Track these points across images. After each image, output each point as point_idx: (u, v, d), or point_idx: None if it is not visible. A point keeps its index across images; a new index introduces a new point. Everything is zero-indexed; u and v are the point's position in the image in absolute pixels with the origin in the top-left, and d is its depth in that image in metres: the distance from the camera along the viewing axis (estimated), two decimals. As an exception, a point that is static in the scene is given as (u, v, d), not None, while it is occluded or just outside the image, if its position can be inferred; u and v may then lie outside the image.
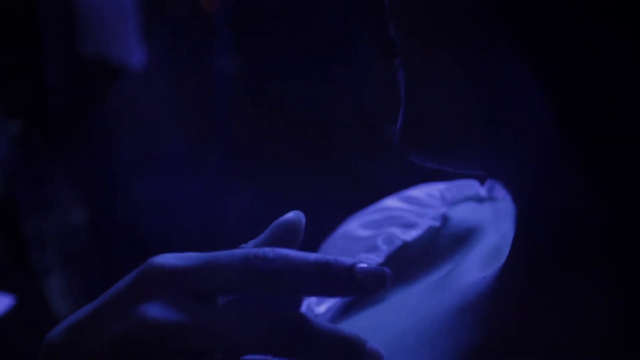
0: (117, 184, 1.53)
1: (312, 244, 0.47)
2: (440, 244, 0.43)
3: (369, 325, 0.38)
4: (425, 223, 0.44)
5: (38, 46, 1.41)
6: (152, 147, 1.55)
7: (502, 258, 0.34)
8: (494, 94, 0.28)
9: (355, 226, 0.47)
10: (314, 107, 1.59)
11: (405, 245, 0.44)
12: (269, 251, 0.29)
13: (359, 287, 0.29)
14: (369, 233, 0.46)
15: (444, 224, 0.44)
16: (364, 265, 0.29)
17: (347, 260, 0.29)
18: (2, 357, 0.88)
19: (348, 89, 1.58)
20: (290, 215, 0.32)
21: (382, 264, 0.44)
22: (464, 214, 0.44)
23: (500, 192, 0.46)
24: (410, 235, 0.44)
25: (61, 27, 1.44)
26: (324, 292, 0.29)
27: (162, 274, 0.29)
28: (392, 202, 0.47)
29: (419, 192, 0.47)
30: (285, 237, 0.31)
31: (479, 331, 0.32)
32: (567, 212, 0.28)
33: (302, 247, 0.31)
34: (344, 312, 0.43)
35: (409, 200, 0.47)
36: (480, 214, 0.44)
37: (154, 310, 0.29)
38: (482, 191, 0.46)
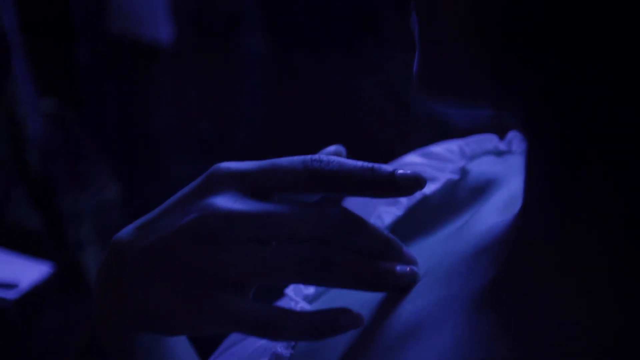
0: (149, 160, 1.55)
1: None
2: (459, 196, 0.44)
3: None
4: (444, 177, 0.45)
5: (70, 25, 1.43)
6: (182, 125, 1.57)
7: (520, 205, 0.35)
8: (502, 24, 0.29)
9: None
10: (344, 84, 1.59)
11: (425, 198, 0.44)
12: (324, 156, 0.34)
13: (400, 189, 0.34)
14: (389, 188, 0.47)
15: (462, 177, 0.45)
16: (402, 171, 0.34)
17: (389, 166, 0.34)
18: (39, 323, 0.91)
19: (378, 65, 1.57)
20: (333, 146, 0.38)
21: (401, 217, 0.45)
22: (482, 167, 0.45)
23: (519, 145, 0.47)
24: (430, 188, 0.44)
25: (92, 6, 1.47)
26: (370, 192, 0.34)
27: (227, 174, 0.34)
28: (412, 157, 0.48)
29: (439, 147, 0.48)
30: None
31: (495, 269, 0.32)
32: (576, 140, 0.29)
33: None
34: None
35: (428, 155, 0.47)
36: (498, 166, 0.44)
37: (220, 201, 0.33)
38: (501, 145, 0.46)
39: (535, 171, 0.32)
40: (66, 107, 1.44)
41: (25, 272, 0.98)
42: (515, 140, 0.46)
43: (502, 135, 0.47)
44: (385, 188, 0.34)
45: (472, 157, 0.46)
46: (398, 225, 0.44)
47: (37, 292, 0.96)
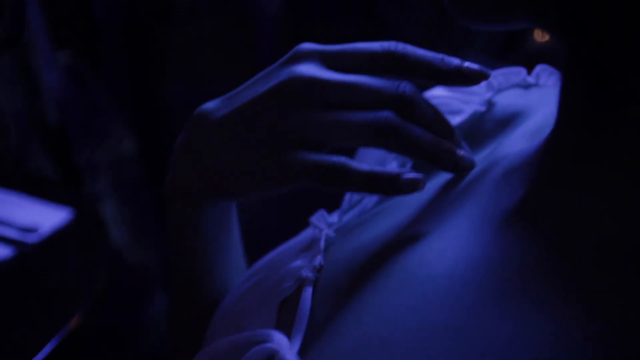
0: (165, 115, 1.55)
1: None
2: (485, 128, 0.44)
3: (412, 198, 0.39)
4: (470, 109, 0.45)
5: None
6: (197, 80, 1.57)
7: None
8: None
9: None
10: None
11: (452, 130, 0.44)
12: (400, 43, 0.37)
13: (465, 78, 0.37)
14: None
15: (489, 108, 0.44)
16: (469, 64, 0.37)
17: (455, 58, 0.38)
18: (58, 267, 0.93)
19: (395, 30, 1.56)
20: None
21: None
22: (509, 99, 0.44)
23: (547, 79, 0.46)
24: (456, 120, 0.44)
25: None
26: (438, 79, 0.37)
27: (310, 50, 0.38)
28: (439, 91, 0.48)
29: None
30: None
31: (525, 187, 0.32)
32: (616, 56, 0.28)
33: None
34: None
35: (455, 89, 0.47)
36: (525, 99, 0.44)
37: (303, 69, 0.37)
38: (529, 78, 0.46)
39: (570, 94, 0.31)
40: (82, 60, 1.43)
41: (45, 217, 0.99)
42: (543, 73, 0.46)
43: (529, 70, 0.47)
44: (453, 76, 0.37)
45: (499, 90, 0.45)
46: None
47: (57, 236, 0.97)
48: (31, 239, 0.94)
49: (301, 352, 0.33)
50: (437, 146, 0.36)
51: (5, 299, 0.84)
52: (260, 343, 0.34)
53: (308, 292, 0.37)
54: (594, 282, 0.26)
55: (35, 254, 0.92)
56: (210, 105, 0.39)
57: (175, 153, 0.41)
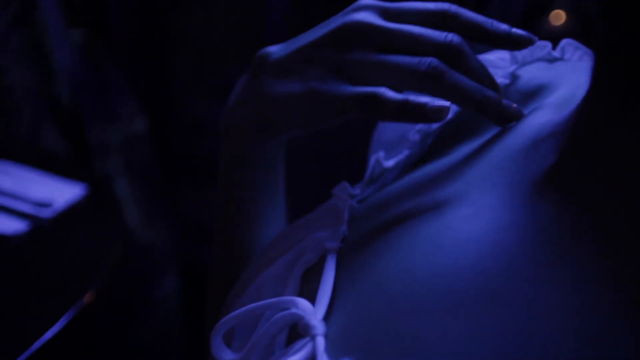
0: (176, 96, 1.55)
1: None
2: (510, 100, 0.43)
3: (438, 173, 0.39)
4: (495, 82, 0.44)
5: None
6: (210, 64, 1.56)
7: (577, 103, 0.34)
8: None
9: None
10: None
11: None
12: (454, 5, 0.40)
13: (514, 42, 0.39)
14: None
15: (513, 81, 0.44)
16: (517, 29, 0.40)
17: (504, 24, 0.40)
18: (72, 242, 0.93)
19: None
20: None
21: (451, 121, 0.45)
22: (533, 72, 0.44)
23: (572, 53, 0.46)
24: (480, 93, 0.44)
25: None
26: (488, 41, 0.39)
27: (368, 3, 0.40)
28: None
29: (491, 55, 0.47)
30: None
31: (555, 156, 0.32)
32: None
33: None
34: (414, 165, 0.44)
35: (482, 60, 0.47)
36: (550, 72, 0.44)
37: (360, 15, 0.40)
38: (554, 52, 0.46)
39: (602, 67, 0.31)
40: (95, 39, 1.43)
41: (58, 193, 1.00)
42: (568, 47, 0.45)
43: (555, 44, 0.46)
44: (501, 39, 0.39)
45: (523, 63, 0.45)
46: (447, 128, 0.44)
47: (70, 212, 0.97)
48: (45, 213, 0.95)
49: (326, 318, 0.33)
50: (482, 93, 0.38)
51: (20, 272, 0.85)
52: (285, 309, 0.34)
53: (332, 261, 0.37)
54: (631, 246, 0.26)
55: (49, 229, 0.92)
56: (272, 48, 0.42)
57: (236, 88, 0.44)
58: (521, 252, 0.28)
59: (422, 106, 0.37)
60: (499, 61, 0.46)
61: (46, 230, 0.92)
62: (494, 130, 0.42)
